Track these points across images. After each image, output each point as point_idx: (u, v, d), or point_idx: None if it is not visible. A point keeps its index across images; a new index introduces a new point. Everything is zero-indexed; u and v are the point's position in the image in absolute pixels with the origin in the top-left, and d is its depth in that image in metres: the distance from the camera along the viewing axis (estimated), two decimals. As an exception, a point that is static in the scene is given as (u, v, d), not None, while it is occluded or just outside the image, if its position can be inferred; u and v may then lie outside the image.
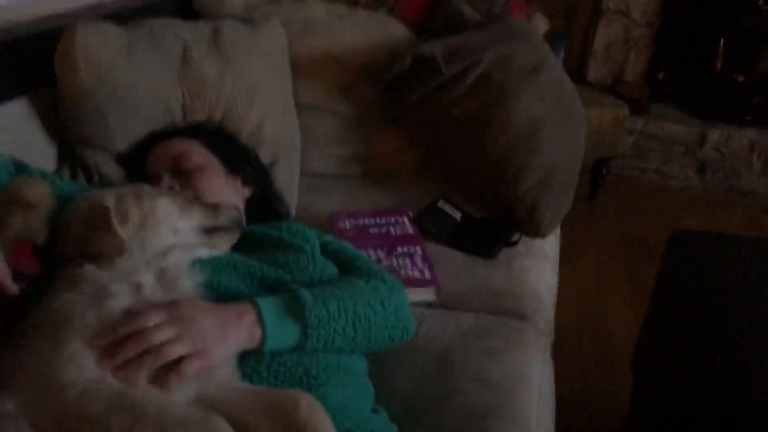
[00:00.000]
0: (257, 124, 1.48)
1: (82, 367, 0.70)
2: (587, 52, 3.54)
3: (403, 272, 1.33)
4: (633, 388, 1.69)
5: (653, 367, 1.56)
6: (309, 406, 0.73)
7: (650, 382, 1.57)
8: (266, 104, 1.50)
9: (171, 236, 0.90)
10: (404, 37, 1.79)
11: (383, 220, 1.50)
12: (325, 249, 1.08)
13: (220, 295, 0.88)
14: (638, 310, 2.01)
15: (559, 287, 1.53)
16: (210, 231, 0.96)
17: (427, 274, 1.33)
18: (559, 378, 1.23)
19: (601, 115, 2.78)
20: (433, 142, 1.68)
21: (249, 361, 0.82)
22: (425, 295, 1.31)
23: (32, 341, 0.74)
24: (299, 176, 1.62)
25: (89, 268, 0.82)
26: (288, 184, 1.54)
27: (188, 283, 0.85)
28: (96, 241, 0.84)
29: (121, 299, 0.78)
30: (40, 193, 0.84)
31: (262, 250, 1.02)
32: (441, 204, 1.58)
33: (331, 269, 1.04)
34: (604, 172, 3.00)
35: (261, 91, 1.48)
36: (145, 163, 1.22)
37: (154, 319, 0.75)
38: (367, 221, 1.50)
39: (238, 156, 1.31)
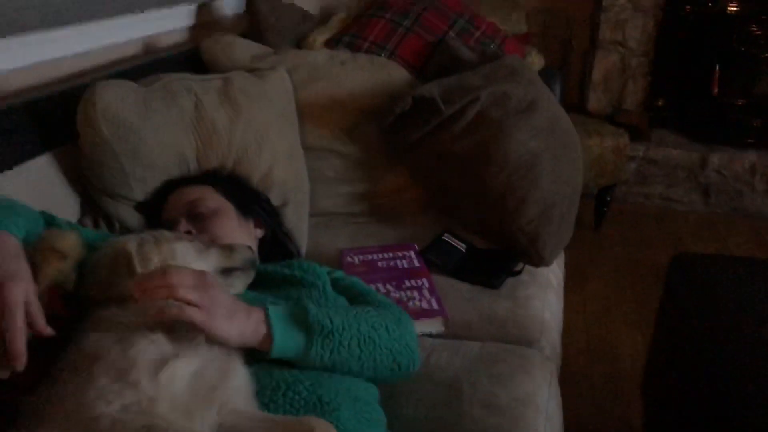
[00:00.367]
0: (267, 169, 1.53)
1: (111, 400, 0.75)
2: (586, 84, 3.62)
3: (411, 304, 1.37)
4: (644, 413, 1.70)
5: (660, 390, 1.58)
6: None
7: (659, 406, 1.58)
8: (275, 149, 1.55)
9: (190, 277, 0.96)
10: (404, 79, 1.86)
11: (391, 255, 1.54)
12: (335, 284, 1.12)
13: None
14: (647, 334, 2.03)
15: (569, 315, 1.55)
16: (226, 271, 1.00)
17: (435, 305, 1.37)
18: (571, 404, 1.24)
19: (602, 144, 2.83)
20: (436, 178, 1.74)
21: (266, 391, 0.86)
22: (433, 325, 1.35)
23: (65, 378, 0.78)
24: (309, 216, 1.66)
25: (114, 309, 0.87)
26: (298, 223, 1.59)
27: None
28: (120, 284, 0.90)
29: (145, 338, 0.84)
30: (71, 243, 0.90)
31: (276, 287, 1.07)
32: (446, 237, 1.63)
33: (342, 303, 1.09)
34: (608, 199, 3.04)
35: (269, 137, 1.54)
36: (162, 210, 1.28)
37: (186, 280, 0.82)
38: (375, 257, 1.54)
39: (249, 199, 1.37)
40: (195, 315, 0.80)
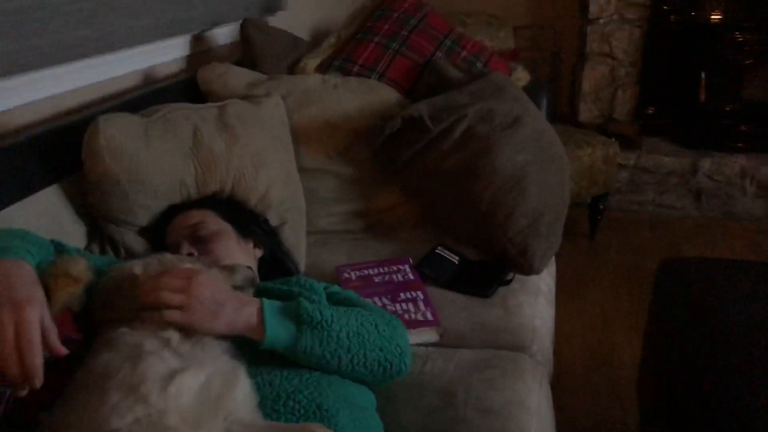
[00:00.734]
0: (264, 191, 1.57)
1: (124, 415, 0.81)
2: (576, 96, 3.68)
3: (407, 316, 1.41)
4: (639, 417, 1.73)
5: (653, 392, 1.61)
6: (322, 435, 0.83)
7: (652, 408, 1.62)
8: (271, 172, 1.59)
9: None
10: (394, 99, 1.91)
11: (386, 269, 1.59)
12: (332, 298, 1.17)
13: (239, 344, 0.99)
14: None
15: (567, 322, 1.58)
16: (228, 290, 1.07)
17: (430, 316, 1.42)
18: (569, 411, 1.26)
19: (593, 154, 2.88)
20: (427, 194, 1.78)
21: (267, 401, 0.92)
22: (429, 335, 1.40)
23: (79, 396, 0.84)
24: (307, 234, 1.70)
25: (123, 329, 0.92)
26: (296, 242, 1.63)
27: (211, 337, 0.96)
28: (127, 306, 0.96)
29: (153, 354, 0.89)
30: (82, 268, 0.96)
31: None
32: (439, 250, 1.67)
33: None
34: (601, 208, 3.08)
35: (265, 161, 1.58)
36: (166, 234, 1.34)
37: (171, 283, 0.93)
38: (371, 271, 1.59)
39: (248, 221, 1.43)
40: (173, 316, 0.90)
